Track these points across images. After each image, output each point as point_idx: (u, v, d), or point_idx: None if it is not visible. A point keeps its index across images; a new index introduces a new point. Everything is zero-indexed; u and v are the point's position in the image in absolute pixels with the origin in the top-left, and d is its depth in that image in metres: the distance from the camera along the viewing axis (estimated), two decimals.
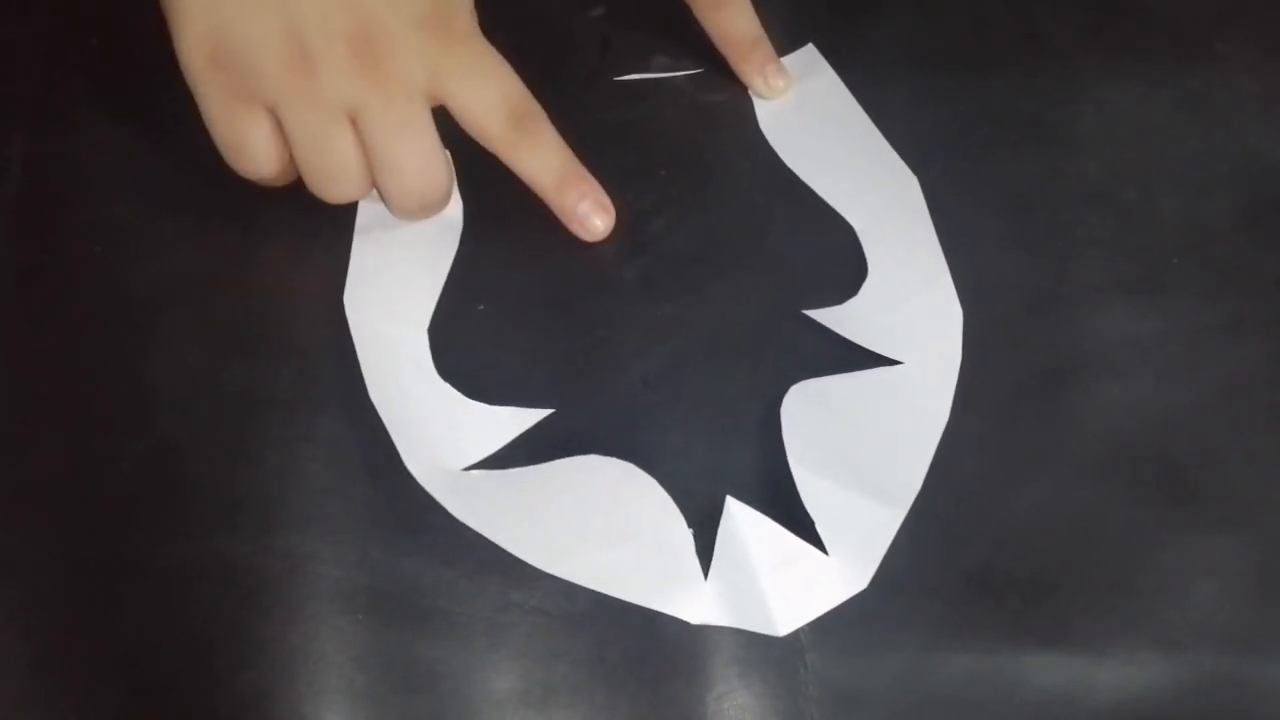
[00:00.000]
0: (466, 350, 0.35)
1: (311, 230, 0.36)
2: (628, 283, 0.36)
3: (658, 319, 0.35)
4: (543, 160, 0.35)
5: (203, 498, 0.32)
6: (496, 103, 0.34)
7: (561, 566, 0.31)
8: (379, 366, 0.33)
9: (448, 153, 0.34)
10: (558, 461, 0.33)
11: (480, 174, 0.36)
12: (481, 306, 0.35)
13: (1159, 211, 0.37)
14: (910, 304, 0.36)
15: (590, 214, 0.36)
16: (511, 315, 0.35)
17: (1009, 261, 0.36)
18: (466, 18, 0.34)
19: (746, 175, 0.38)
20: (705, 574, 0.31)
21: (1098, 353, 0.35)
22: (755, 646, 0.31)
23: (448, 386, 0.34)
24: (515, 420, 0.33)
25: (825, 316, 0.35)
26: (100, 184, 0.34)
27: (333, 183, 0.34)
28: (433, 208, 0.35)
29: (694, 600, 0.31)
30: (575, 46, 0.39)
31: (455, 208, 0.37)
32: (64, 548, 0.31)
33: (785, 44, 0.40)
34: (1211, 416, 0.34)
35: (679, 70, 0.40)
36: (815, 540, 0.31)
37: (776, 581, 0.31)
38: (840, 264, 0.36)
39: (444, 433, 0.33)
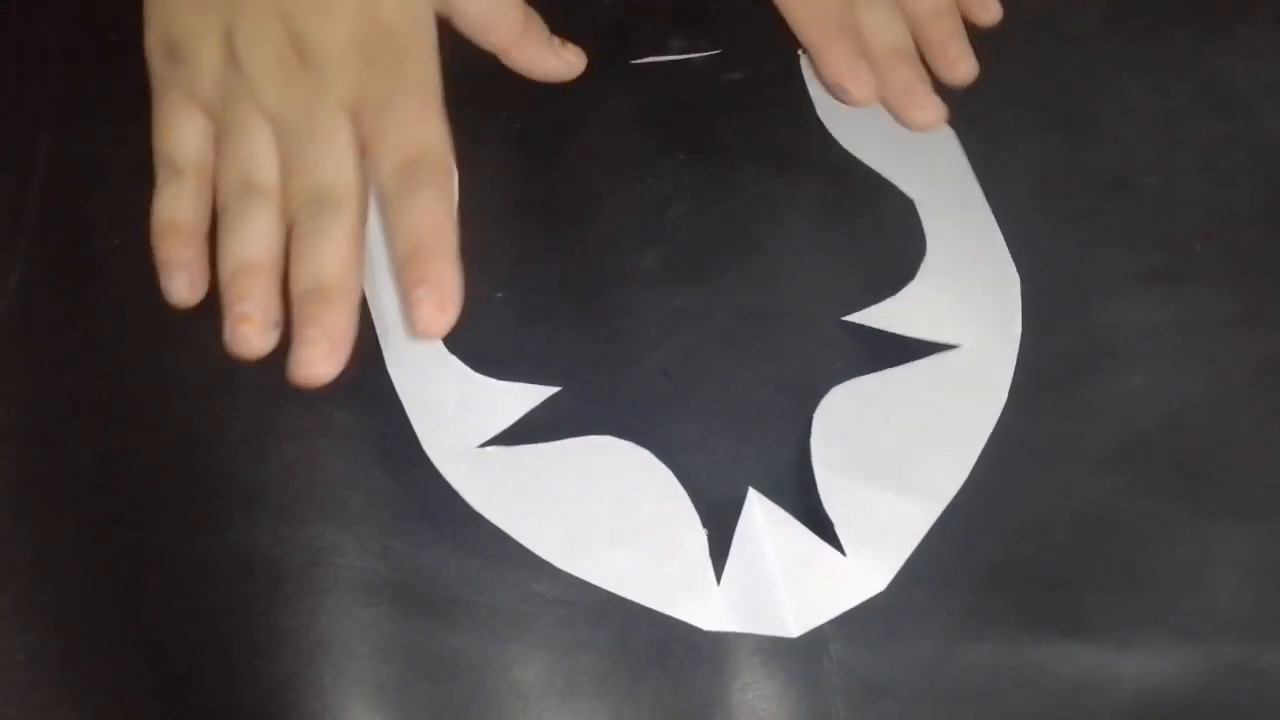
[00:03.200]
0: (484, 338, 0.34)
1: None
2: (646, 271, 0.36)
3: (677, 308, 0.35)
4: (411, 221, 0.30)
5: (223, 491, 0.32)
6: (395, 146, 0.31)
7: (576, 564, 0.31)
8: (394, 334, 0.33)
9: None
10: (573, 440, 0.32)
11: (499, 159, 0.35)
12: (500, 294, 0.35)
13: (1179, 200, 0.37)
14: (970, 277, 0.35)
15: (422, 301, 0.29)
16: (529, 303, 0.35)
17: (1028, 250, 0.36)
18: (407, 42, 0.32)
19: (767, 158, 0.38)
20: (719, 578, 0.31)
21: (1117, 342, 0.35)
22: (779, 637, 0.31)
23: (456, 360, 0.33)
24: (526, 395, 0.33)
25: (868, 317, 0.35)
26: (123, 180, 0.34)
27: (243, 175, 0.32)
28: (341, 212, 0.31)
29: (706, 606, 0.31)
30: (590, 31, 0.38)
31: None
32: (88, 542, 0.31)
33: None
34: (1232, 406, 0.34)
35: (696, 52, 0.39)
36: (834, 541, 0.31)
37: (791, 580, 0.31)
38: (876, 248, 0.36)
39: (457, 408, 0.33)
